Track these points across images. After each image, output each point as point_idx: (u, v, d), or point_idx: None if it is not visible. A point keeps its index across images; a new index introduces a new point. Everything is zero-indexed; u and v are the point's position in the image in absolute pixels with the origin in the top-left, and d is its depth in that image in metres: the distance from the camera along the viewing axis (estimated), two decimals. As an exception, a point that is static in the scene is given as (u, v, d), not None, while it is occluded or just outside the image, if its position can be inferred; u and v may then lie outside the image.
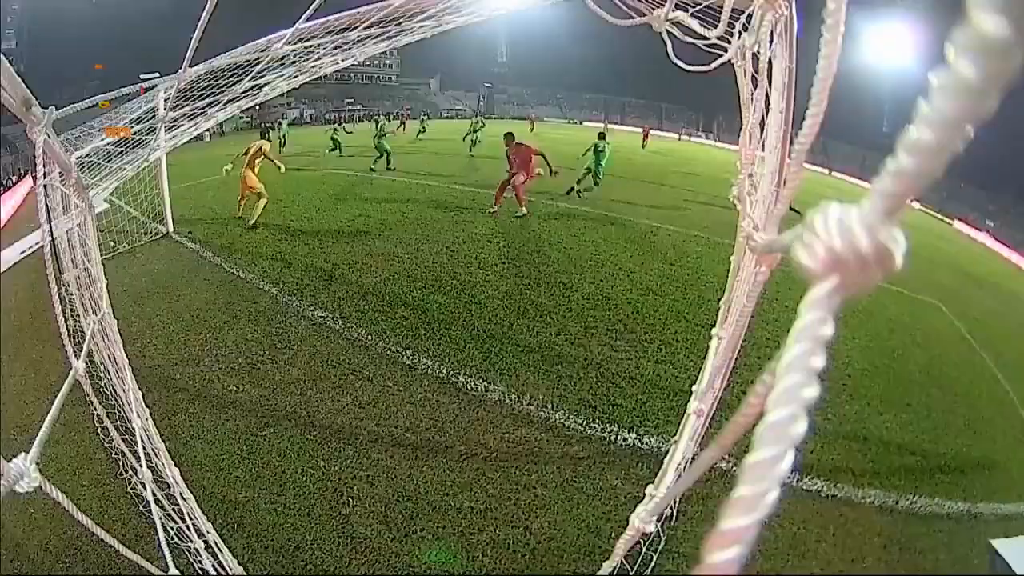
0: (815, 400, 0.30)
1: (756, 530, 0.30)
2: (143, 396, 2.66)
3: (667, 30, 2.28)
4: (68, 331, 1.73)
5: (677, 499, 3.00)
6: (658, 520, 2.68)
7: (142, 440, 2.00)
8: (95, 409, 1.92)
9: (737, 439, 0.59)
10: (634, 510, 1.81)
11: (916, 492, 3.50)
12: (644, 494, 2.44)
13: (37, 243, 6.42)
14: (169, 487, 2.13)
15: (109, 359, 2.25)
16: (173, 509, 2.10)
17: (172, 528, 2.08)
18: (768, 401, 0.31)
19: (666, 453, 3.55)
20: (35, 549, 2.62)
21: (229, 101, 5.13)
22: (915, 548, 3.10)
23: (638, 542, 2.61)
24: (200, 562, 2.02)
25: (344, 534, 2.80)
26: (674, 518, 2.96)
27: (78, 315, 2.43)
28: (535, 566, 2.71)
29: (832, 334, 0.31)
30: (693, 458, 2.62)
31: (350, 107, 34.55)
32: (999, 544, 2.90)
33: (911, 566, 3.00)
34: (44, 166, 1.73)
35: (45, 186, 1.97)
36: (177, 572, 1.70)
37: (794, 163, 1.03)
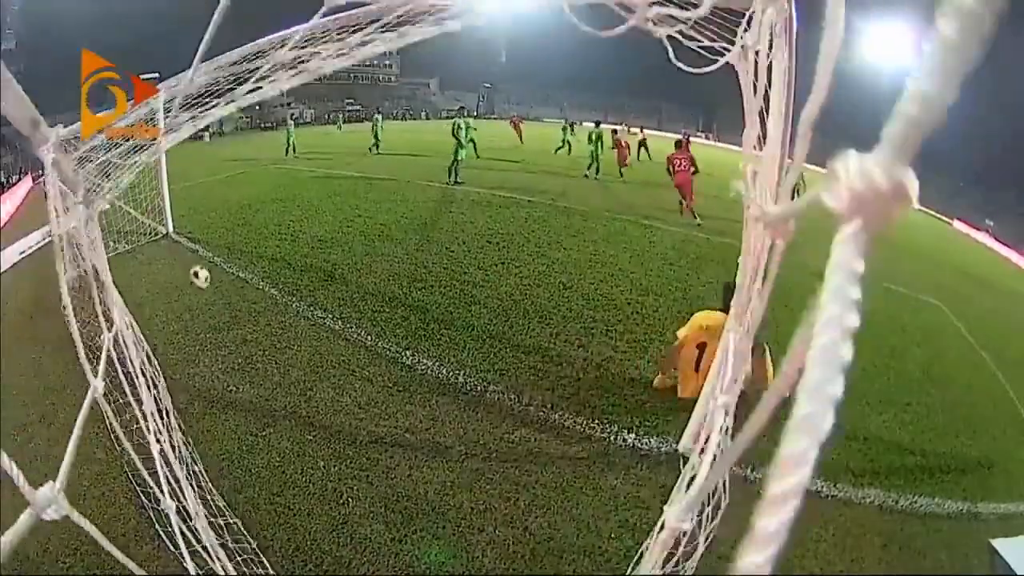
0: (855, 329, 0.34)
1: (805, 487, 0.32)
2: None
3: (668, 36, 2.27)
4: (84, 345, 1.71)
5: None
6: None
7: (162, 467, 1.96)
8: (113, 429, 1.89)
9: (774, 411, 0.58)
10: (659, 511, 1.78)
11: (916, 492, 3.50)
12: (643, 494, 2.43)
13: (38, 243, 6.41)
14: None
15: (134, 374, 2.22)
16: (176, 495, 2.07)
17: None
18: (816, 327, 0.33)
19: (667, 454, 3.55)
20: (35, 549, 2.62)
21: (229, 102, 5.09)
22: (915, 548, 3.10)
23: (638, 544, 2.60)
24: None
25: (344, 534, 2.80)
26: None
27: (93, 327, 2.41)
28: (535, 566, 2.71)
29: (863, 269, 0.35)
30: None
31: (350, 107, 34.52)
32: (999, 544, 2.89)
33: (911, 566, 2.99)
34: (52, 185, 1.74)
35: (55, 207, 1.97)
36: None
37: (800, 137, 1.05)
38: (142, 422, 2.04)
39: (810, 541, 3.02)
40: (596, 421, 3.83)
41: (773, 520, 0.32)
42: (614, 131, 16.66)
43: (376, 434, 3.59)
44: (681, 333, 3.74)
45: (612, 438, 3.68)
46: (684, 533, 1.59)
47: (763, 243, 2.22)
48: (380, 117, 17.67)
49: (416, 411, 3.84)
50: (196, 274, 5.51)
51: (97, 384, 1.58)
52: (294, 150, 15.92)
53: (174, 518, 1.83)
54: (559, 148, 17.71)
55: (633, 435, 3.72)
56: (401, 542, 2.78)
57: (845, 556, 2.96)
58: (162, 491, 1.86)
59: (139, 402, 2.09)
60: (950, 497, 3.52)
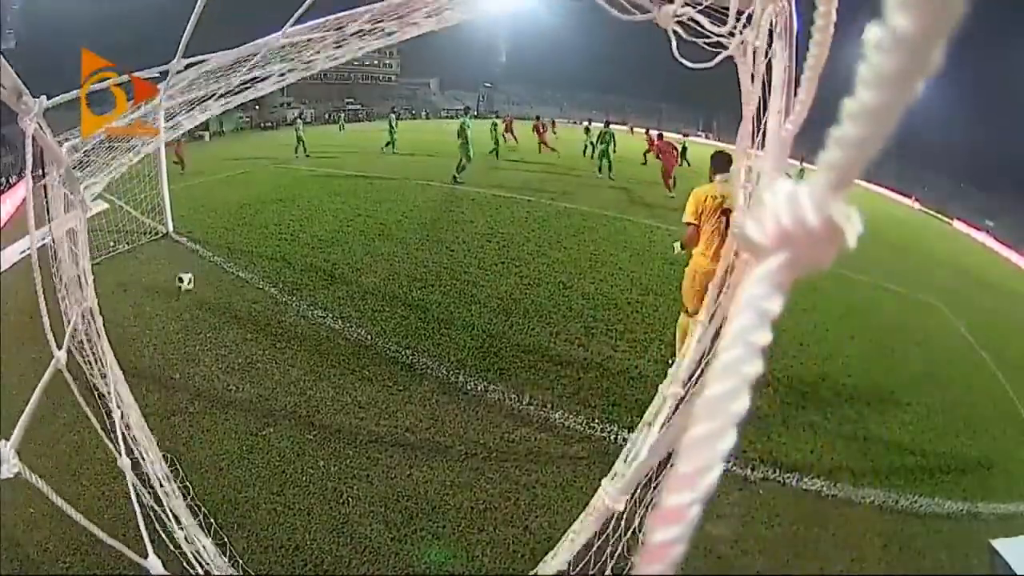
0: (757, 377, 0.29)
1: (699, 507, 0.29)
2: (143, 396, 2.66)
3: (672, 28, 2.28)
4: (50, 322, 1.73)
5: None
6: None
7: (122, 432, 1.99)
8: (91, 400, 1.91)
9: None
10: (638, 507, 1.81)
11: (916, 492, 3.50)
12: (643, 494, 2.41)
13: (38, 243, 6.41)
14: (156, 480, 2.12)
15: (93, 353, 2.25)
16: (155, 499, 2.08)
17: (155, 517, 2.05)
18: (708, 376, 0.30)
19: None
20: (35, 549, 2.62)
21: (225, 94, 5.11)
22: (915, 548, 3.10)
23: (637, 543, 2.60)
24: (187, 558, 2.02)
25: (344, 534, 2.80)
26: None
27: (66, 309, 2.43)
28: (535, 566, 2.71)
29: (779, 310, 0.30)
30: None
31: (350, 107, 34.52)
32: (999, 544, 2.90)
33: (911, 566, 2.99)
34: (34, 155, 1.74)
35: (37, 179, 1.98)
36: (158, 560, 1.69)
37: (780, 150, 1.02)
38: (104, 388, 2.06)
39: (809, 540, 3.02)
40: (596, 421, 3.83)
41: (669, 531, 0.30)
42: (537, 117, 20.10)
43: (376, 434, 3.58)
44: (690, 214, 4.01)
45: (612, 438, 3.68)
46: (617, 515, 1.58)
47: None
48: (394, 116, 17.88)
49: (416, 411, 3.84)
50: (180, 279, 5.74)
51: (60, 356, 1.59)
52: (295, 151, 15.88)
53: (129, 474, 1.84)
54: (586, 150, 17.77)
55: (633, 434, 3.71)
56: (401, 542, 2.78)
57: (845, 556, 2.96)
58: (119, 451, 1.87)
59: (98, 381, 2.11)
60: (950, 497, 3.52)
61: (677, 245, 4.28)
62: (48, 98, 1.91)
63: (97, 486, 3.03)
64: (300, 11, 3.13)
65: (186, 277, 5.79)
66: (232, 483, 3.10)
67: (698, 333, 2.69)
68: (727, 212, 3.90)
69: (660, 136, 13.87)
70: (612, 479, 1.79)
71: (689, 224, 4.02)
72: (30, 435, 3.29)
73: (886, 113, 0.25)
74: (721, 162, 4.13)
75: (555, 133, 19.83)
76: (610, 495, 1.62)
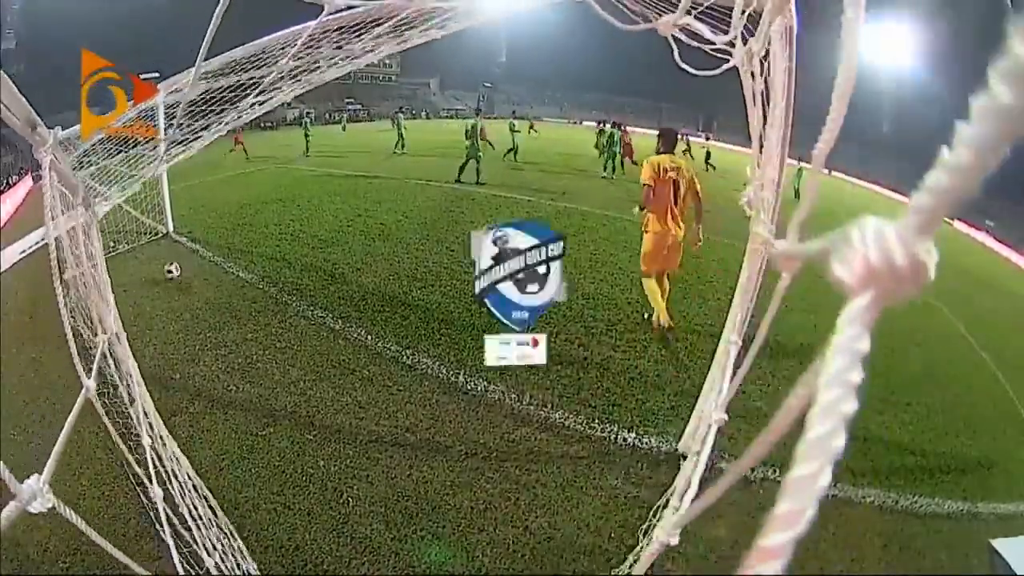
0: (853, 415, 0.31)
1: (795, 546, 0.31)
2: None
3: (673, 35, 2.27)
4: (77, 346, 1.69)
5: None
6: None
7: (153, 460, 1.97)
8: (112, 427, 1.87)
9: (768, 451, 0.59)
10: (648, 518, 1.80)
11: (916, 492, 3.50)
12: (643, 494, 2.42)
13: (37, 243, 6.42)
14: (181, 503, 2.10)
15: (120, 377, 2.23)
16: (183, 526, 2.06)
17: (184, 547, 2.04)
18: (809, 417, 0.31)
19: (667, 454, 3.55)
20: (35, 549, 2.62)
21: (232, 119, 5.10)
22: (915, 548, 3.10)
23: (640, 543, 2.61)
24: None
25: (344, 534, 2.80)
26: (674, 518, 2.96)
27: (86, 329, 2.41)
28: (535, 566, 2.71)
29: (868, 349, 0.32)
30: (710, 467, 2.59)
31: (350, 106, 34.51)
32: (999, 544, 2.90)
33: (911, 566, 2.99)
34: (51, 186, 1.72)
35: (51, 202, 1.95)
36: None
37: (812, 170, 1.02)
38: (134, 417, 2.05)
39: (810, 541, 3.01)
40: (596, 421, 3.83)
41: (768, 567, 0.31)
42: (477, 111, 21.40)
43: (376, 434, 3.59)
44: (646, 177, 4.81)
45: (612, 438, 3.68)
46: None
47: (760, 265, 2.24)
48: (402, 116, 17.82)
49: (416, 411, 3.84)
50: (168, 271, 5.82)
51: (89, 384, 1.57)
52: (306, 150, 15.86)
53: (161, 505, 1.83)
54: (602, 152, 17.06)
55: (633, 434, 3.72)
56: (401, 541, 2.78)
57: (845, 556, 2.96)
58: (151, 480, 1.86)
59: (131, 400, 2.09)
60: (950, 497, 3.52)
61: (636, 208, 5.04)
62: (54, 103, 1.90)
63: (97, 486, 3.03)
64: (312, 25, 3.11)
65: (167, 269, 5.87)
66: (232, 483, 3.10)
67: (733, 354, 2.68)
68: (676, 184, 4.79)
69: (624, 130, 15.60)
70: (671, 514, 1.82)
71: (645, 186, 4.84)
72: (31, 436, 3.30)
73: (977, 170, 0.29)
74: (669, 137, 5.06)
75: (535, 132, 20.91)
76: (664, 529, 1.64)
